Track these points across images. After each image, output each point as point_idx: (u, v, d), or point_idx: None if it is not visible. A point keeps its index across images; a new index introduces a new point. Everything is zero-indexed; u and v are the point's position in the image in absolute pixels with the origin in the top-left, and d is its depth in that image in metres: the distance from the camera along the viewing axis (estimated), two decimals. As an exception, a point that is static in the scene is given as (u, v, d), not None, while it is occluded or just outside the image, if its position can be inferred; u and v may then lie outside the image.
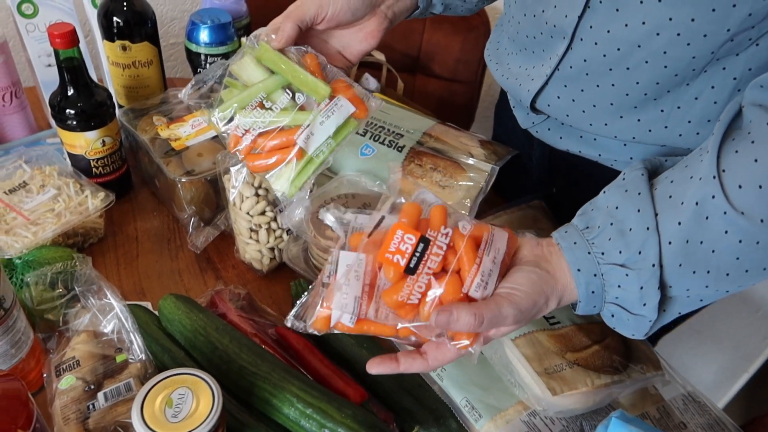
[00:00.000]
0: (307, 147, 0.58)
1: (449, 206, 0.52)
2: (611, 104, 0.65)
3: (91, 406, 0.56)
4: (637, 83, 0.62)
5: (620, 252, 0.50)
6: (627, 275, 0.50)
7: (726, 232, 0.47)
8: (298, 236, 0.77)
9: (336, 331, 0.51)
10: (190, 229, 0.82)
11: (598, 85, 0.65)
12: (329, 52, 0.68)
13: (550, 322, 0.66)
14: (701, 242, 0.48)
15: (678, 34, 0.56)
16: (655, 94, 0.62)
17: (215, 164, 0.76)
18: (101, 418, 0.55)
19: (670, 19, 0.56)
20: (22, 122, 0.96)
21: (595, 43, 0.62)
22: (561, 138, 0.76)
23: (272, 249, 0.78)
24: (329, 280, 0.51)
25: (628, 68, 0.61)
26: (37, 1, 0.89)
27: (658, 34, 0.57)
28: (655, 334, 0.55)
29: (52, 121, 0.85)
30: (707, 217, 0.47)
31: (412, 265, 0.48)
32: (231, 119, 0.59)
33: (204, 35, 0.93)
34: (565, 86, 0.68)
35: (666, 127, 0.65)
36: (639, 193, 0.51)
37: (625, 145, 0.70)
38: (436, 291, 0.49)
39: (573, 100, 0.68)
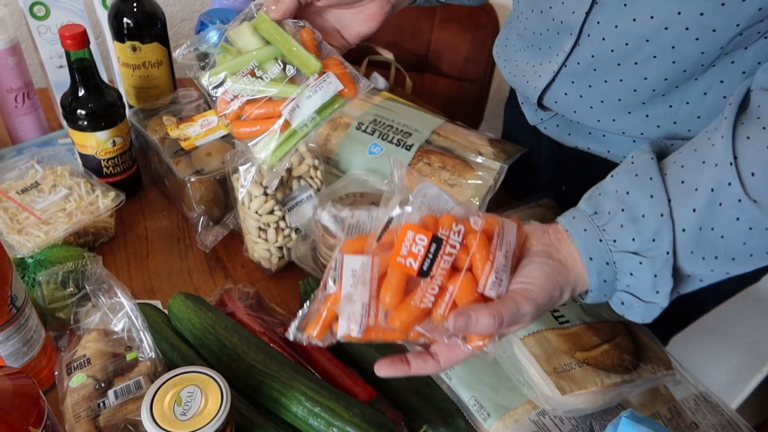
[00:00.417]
0: (292, 119, 0.58)
1: (456, 200, 0.50)
2: (619, 100, 0.65)
3: (101, 404, 0.57)
4: (645, 79, 0.61)
5: (633, 239, 0.49)
6: (641, 263, 0.49)
7: (738, 219, 0.46)
8: (307, 235, 0.77)
9: (343, 341, 0.48)
10: (200, 229, 0.82)
11: (605, 81, 0.64)
12: (328, 31, 0.67)
13: (560, 321, 0.65)
14: (712, 228, 0.47)
15: (687, 29, 0.56)
16: (663, 90, 0.62)
17: (224, 164, 0.77)
18: (111, 415, 0.56)
19: (679, 14, 0.55)
20: (35, 123, 0.97)
21: (603, 39, 0.61)
22: (569, 134, 0.76)
23: (281, 248, 0.78)
24: (333, 288, 0.48)
25: (636, 63, 0.61)
26: (48, 3, 0.90)
27: (666, 28, 0.57)
28: (666, 332, 0.55)
29: (64, 122, 0.86)
30: (720, 204, 0.46)
31: (425, 268, 0.46)
32: (221, 84, 0.59)
33: (213, 36, 0.93)
34: (573, 82, 0.68)
35: (675, 122, 0.64)
36: (651, 178, 0.49)
37: (633, 141, 0.69)
38: (450, 292, 0.46)
39: (580, 97, 0.68)
